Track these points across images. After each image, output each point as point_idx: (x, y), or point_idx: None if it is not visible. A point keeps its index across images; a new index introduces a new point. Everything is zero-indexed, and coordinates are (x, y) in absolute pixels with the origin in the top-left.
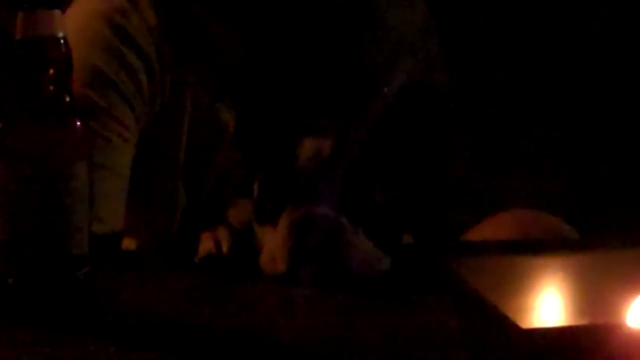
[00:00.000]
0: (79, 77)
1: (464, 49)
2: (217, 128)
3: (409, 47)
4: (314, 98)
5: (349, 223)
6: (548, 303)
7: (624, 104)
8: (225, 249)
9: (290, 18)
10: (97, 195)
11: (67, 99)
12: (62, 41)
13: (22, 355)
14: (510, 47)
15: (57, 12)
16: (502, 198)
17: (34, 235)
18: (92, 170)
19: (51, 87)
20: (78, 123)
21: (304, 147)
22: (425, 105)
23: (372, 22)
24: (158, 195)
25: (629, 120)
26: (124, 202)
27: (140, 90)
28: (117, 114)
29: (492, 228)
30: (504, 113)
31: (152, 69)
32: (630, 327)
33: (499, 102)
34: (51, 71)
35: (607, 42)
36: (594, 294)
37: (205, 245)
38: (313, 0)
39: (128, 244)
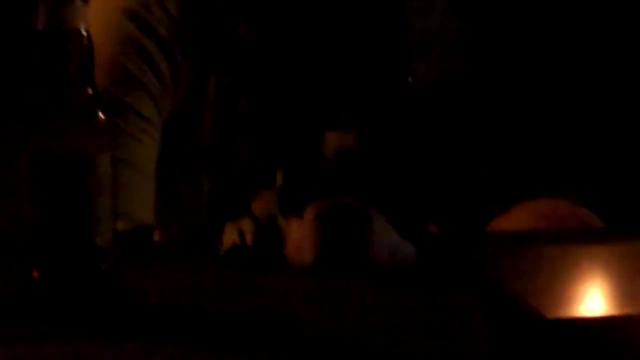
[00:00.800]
0: (102, 73)
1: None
2: (240, 118)
3: (433, 35)
4: (338, 89)
5: (375, 214)
6: (577, 294)
7: None
8: (249, 240)
9: (314, 8)
10: (121, 191)
11: (90, 91)
12: (84, 33)
13: (45, 347)
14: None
15: (78, 2)
16: (529, 188)
17: (57, 228)
18: (115, 164)
19: (73, 79)
20: (100, 115)
21: (328, 140)
22: (448, 96)
23: (397, 10)
24: (182, 187)
25: None
26: (150, 197)
27: (163, 83)
28: (141, 109)
29: (519, 218)
30: (534, 99)
31: (175, 60)
32: None
33: (529, 88)
34: (73, 63)
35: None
36: (626, 285)
37: (230, 237)
38: None
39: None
